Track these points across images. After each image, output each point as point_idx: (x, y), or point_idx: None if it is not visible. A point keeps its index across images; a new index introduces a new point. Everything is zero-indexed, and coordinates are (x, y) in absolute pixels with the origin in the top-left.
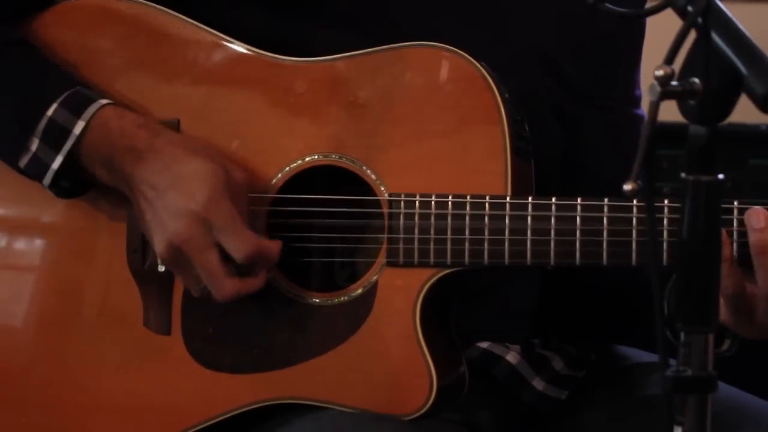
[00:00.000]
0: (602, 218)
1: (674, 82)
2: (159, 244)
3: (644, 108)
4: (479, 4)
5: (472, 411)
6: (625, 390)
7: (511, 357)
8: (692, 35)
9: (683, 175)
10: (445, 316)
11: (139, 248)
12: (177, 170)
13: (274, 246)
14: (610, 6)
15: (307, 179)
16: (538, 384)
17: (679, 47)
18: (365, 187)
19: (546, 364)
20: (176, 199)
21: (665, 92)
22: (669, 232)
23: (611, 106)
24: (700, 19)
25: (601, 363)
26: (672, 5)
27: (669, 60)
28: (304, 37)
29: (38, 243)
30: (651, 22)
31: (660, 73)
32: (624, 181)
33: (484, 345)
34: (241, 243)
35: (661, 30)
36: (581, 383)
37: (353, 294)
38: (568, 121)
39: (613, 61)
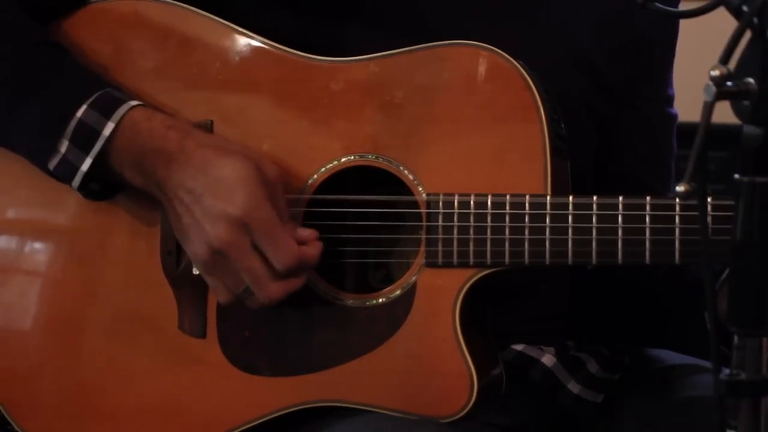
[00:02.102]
0: (644, 217)
1: (729, 83)
2: (199, 248)
3: (677, 107)
4: (511, 3)
5: (508, 413)
6: (662, 393)
7: (547, 359)
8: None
9: (737, 176)
10: (482, 317)
11: (173, 250)
12: (212, 173)
13: (314, 252)
14: (660, 6)
15: (342, 180)
16: (574, 387)
17: (735, 47)
18: (402, 188)
19: (581, 366)
20: (214, 203)
21: (720, 92)
22: (712, 230)
23: (645, 106)
24: (755, 19)
25: (636, 365)
26: (725, 4)
27: (724, 60)
28: (335, 37)
29: (70, 246)
30: (697, 21)
31: (716, 73)
32: (656, 179)
33: (518, 347)
34: (282, 253)
35: (707, 29)
36: (617, 386)
37: (392, 295)
38: (601, 121)
39: (648, 60)
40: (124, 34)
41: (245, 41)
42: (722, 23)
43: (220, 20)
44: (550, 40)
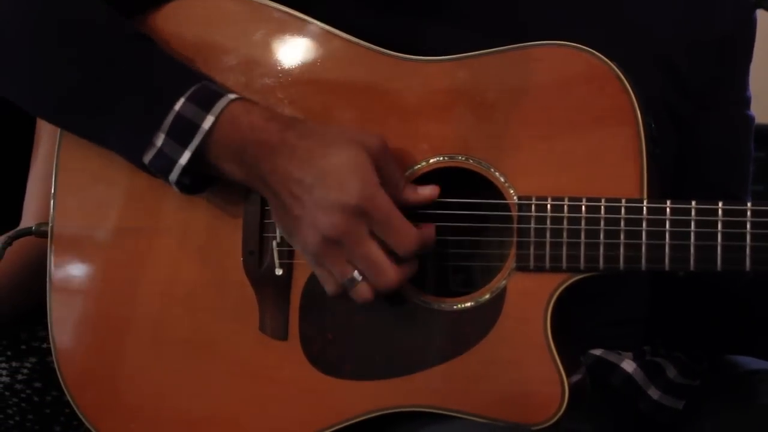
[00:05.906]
0: (745, 223)
1: None
2: (311, 238)
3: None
4: (594, 2)
5: (589, 419)
6: (745, 399)
7: (626, 365)
8: None
9: None
10: (567, 322)
11: (256, 250)
12: (319, 164)
13: (432, 233)
14: None
15: (421, 181)
16: (654, 393)
17: None
18: (487, 189)
19: (660, 372)
20: (327, 193)
21: None
22: None
23: (726, 108)
24: None
25: (715, 371)
26: None
27: None
28: (416, 36)
29: (150, 245)
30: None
31: None
32: (739, 184)
33: (597, 352)
34: (404, 238)
35: None
36: (697, 392)
37: (481, 299)
38: (681, 122)
39: (729, 61)
40: (208, 31)
41: (330, 38)
42: None
43: (304, 17)
44: (631, 38)
